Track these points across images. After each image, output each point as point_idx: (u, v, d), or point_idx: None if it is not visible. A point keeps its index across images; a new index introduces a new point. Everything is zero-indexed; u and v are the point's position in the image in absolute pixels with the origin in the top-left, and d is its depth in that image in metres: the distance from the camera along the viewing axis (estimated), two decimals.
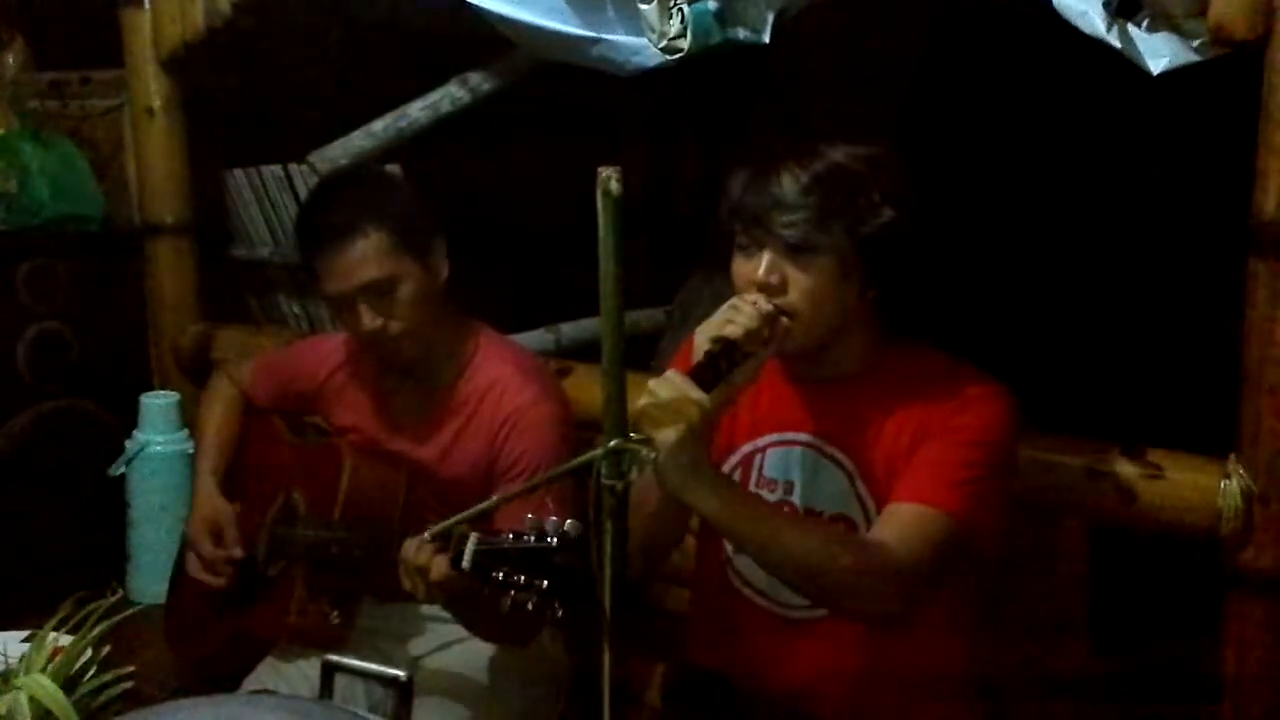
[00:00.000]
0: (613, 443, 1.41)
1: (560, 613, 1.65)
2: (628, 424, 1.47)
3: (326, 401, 2.43)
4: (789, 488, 1.89)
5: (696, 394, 1.60)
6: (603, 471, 1.41)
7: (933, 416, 1.79)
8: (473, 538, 1.72)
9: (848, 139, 1.78)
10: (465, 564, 1.72)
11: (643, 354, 3.02)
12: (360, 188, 2.30)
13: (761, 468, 1.92)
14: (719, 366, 1.66)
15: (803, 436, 1.89)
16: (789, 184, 1.74)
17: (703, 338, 1.70)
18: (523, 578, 1.64)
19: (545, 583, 1.63)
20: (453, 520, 1.73)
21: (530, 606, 1.65)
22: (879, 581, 1.69)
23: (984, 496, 1.77)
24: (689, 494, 1.65)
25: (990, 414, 1.79)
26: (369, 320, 2.16)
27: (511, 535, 1.67)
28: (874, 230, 1.74)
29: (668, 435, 1.58)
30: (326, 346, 2.48)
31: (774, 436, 1.92)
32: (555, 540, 1.63)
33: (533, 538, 1.65)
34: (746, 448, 1.93)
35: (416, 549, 1.83)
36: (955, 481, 1.75)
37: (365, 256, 2.14)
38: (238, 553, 2.29)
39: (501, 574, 1.66)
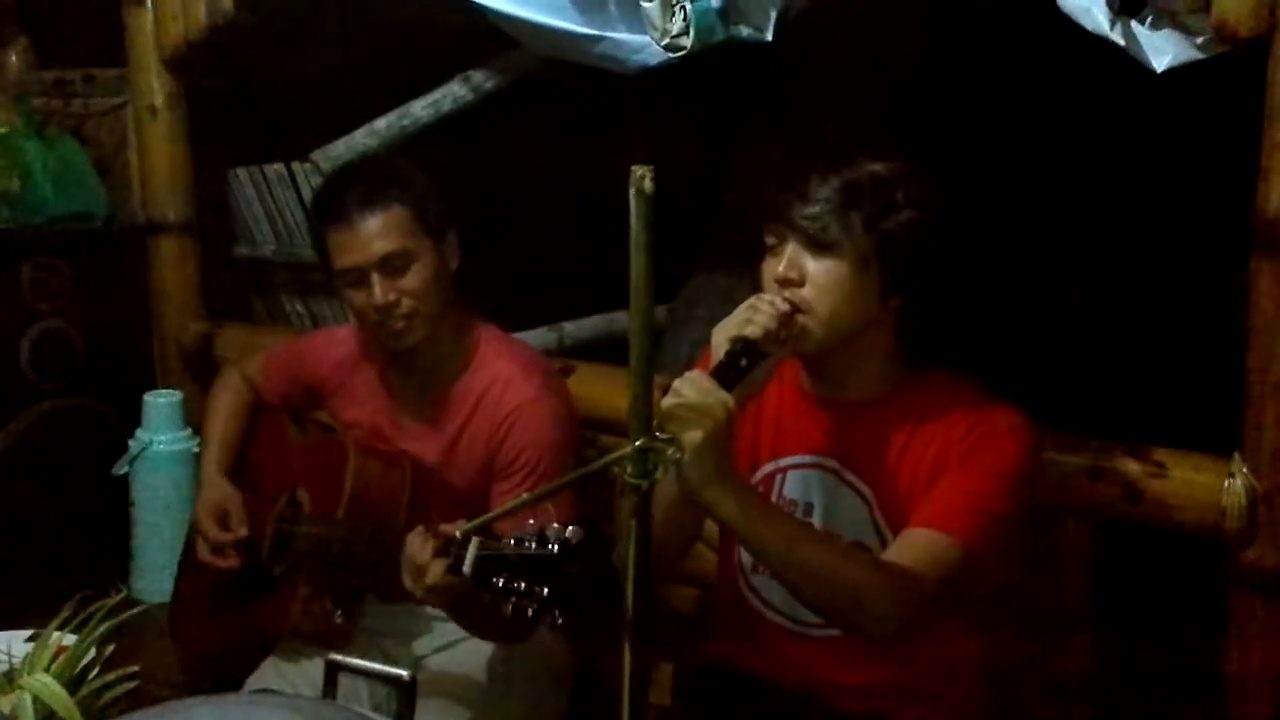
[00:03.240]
0: (639, 442, 1.40)
1: (561, 620, 1.64)
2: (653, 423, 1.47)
3: (331, 396, 2.43)
4: (808, 510, 1.90)
5: (722, 394, 1.61)
6: (628, 471, 1.40)
7: (954, 446, 1.80)
8: (475, 542, 1.71)
9: (876, 151, 1.80)
10: (467, 569, 1.71)
11: None
12: (381, 168, 2.32)
13: (782, 488, 1.92)
14: (740, 366, 1.66)
15: (823, 459, 1.89)
16: (815, 181, 1.76)
17: (721, 337, 1.71)
18: (524, 584, 1.64)
19: (546, 590, 1.62)
20: (483, 519, 1.71)
21: (530, 613, 1.64)
22: (885, 602, 1.70)
23: (998, 528, 1.78)
24: (708, 495, 1.65)
25: (1012, 447, 1.80)
26: (382, 293, 2.15)
27: (513, 541, 1.66)
28: (894, 230, 1.75)
29: (695, 436, 1.58)
30: (334, 340, 2.48)
31: (795, 458, 1.92)
32: (557, 547, 1.63)
33: (534, 544, 1.64)
34: (768, 467, 1.93)
35: (420, 546, 1.82)
36: (972, 511, 1.76)
37: (386, 228, 2.15)
38: (243, 532, 2.29)
39: (502, 580, 1.65)
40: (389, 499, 2.21)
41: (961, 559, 1.73)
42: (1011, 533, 1.81)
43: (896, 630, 1.73)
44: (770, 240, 1.81)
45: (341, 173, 2.42)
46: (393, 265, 2.15)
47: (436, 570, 1.78)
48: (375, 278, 2.15)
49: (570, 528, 1.64)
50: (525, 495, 1.62)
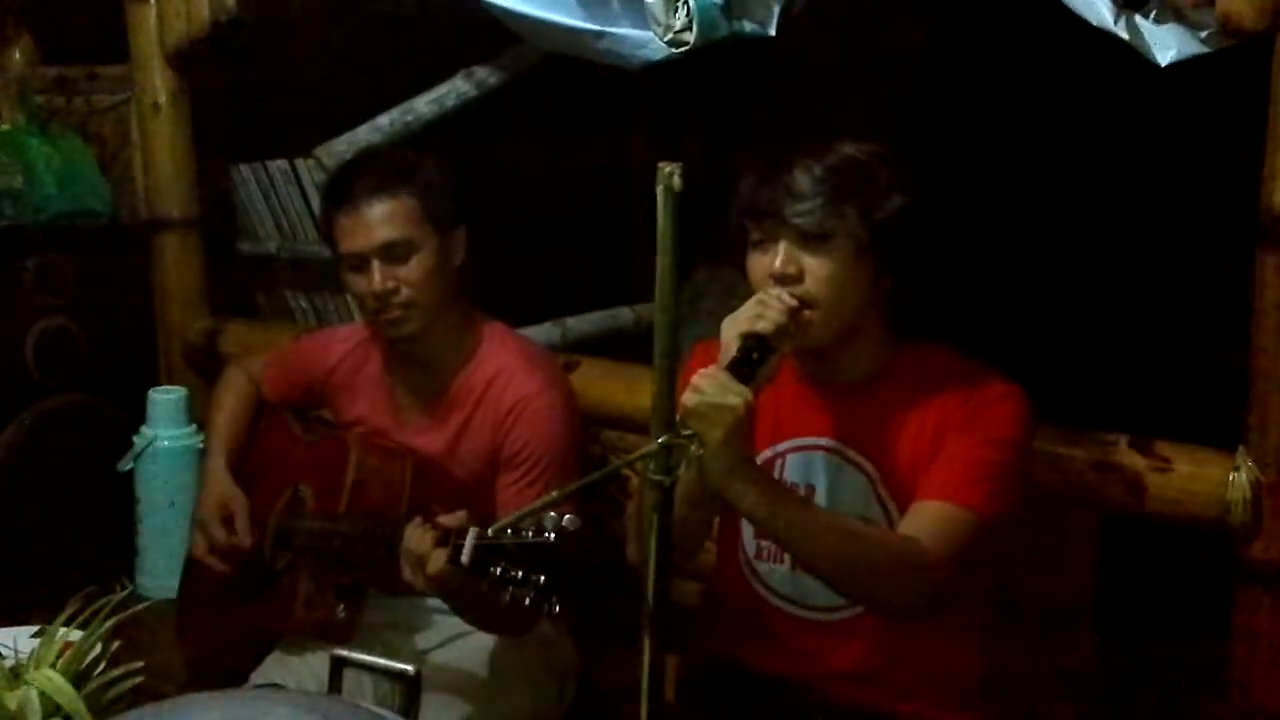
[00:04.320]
0: (662, 439, 1.41)
1: (558, 608, 1.65)
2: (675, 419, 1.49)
3: (334, 393, 2.43)
4: (810, 492, 1.90)
5: (740, 388, 1.62)
6: (652, 468, 1.41)
7: (953, 416, 1.81)
8: (472, 532, 1.72)
9: (852, 136, 1.82)
10: (464, 559, 1.71)
11: (649, 347, 3.01)
12: (394, 158, 2.34)
13: (782, 472, 1.93)
14: (753, 360, 1.68)
15: (823, 441, 1.90)
16: (801, 175, 1.77)
17: (731, 333, 1.71)
18: (520, 573, 1.64)
19: (543, 578, 1.63)
20: (509, 520, 1.70)
21: (528, 602, 1.65)
22: (912, 578, 1.72)
23: (1004, 494, 1.79)
24: (731, 489, 1.67)
25: (1009, 412, 1.82)
26: (381, 280, 2.16)
27: (510, 531, 1.67)
28: (886, 215, 1.77)
29: (716, 432, 1.59)
30: (335, 338, 2.49)
31: (794, 441, 1.93)
32: (553, 535, 1.63)
33: (531, 533, 1.65)
34: (767, 453, 1.94)
35: (419, 537, 1.83)
36: (979, 479, 1.77)
37: (390, 216, 2.17)
38: (246, 542, 2.30)
39: (500, 569, 1.66)
40: (390, 493, 2.22)
41: (974, 527, 1.75)
42: (1016, 496, 1.82)
43: (923, 606, 1.75)
44: (757, 236, 1.82)
45: (355, 159, 2.44)
46: (394, 253, 2.17)
47: (436, 560, 1.79)
48: (375, 264, 2.16)
49: (566, 516, 1.64)
50: (555, 493, 1.63)
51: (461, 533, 1.75)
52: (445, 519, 1.83)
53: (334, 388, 2.43)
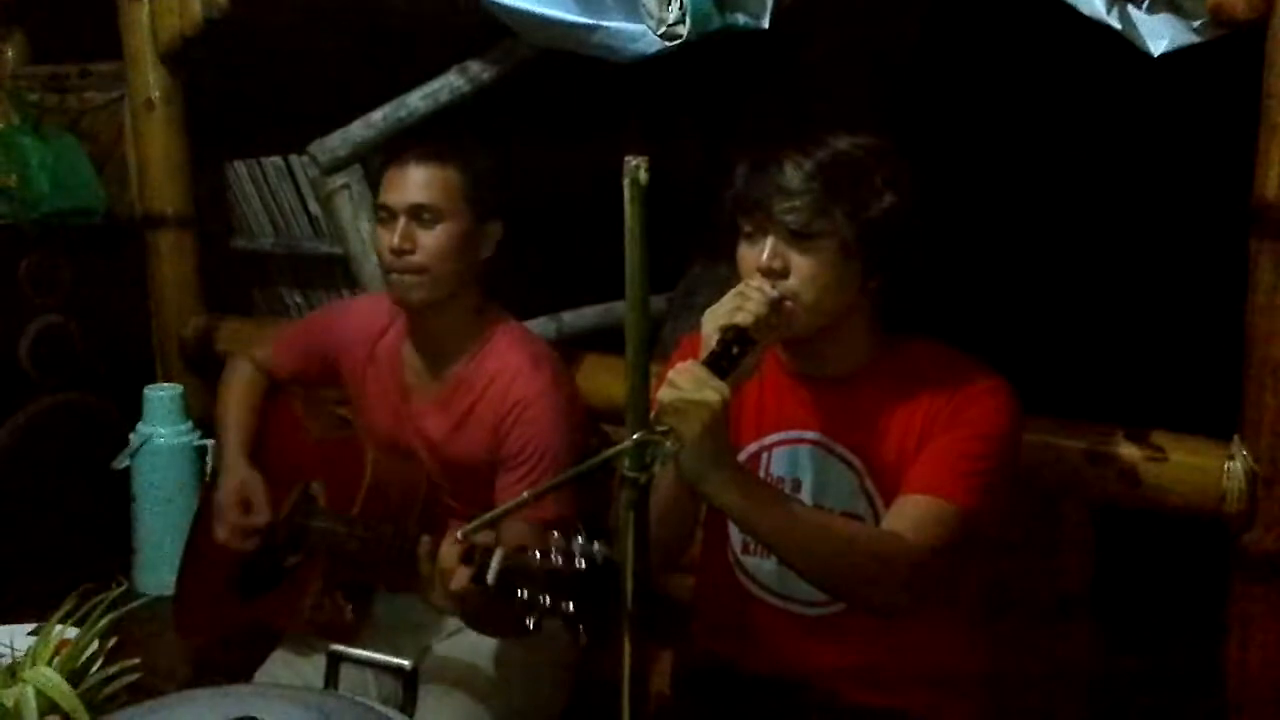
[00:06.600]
0: (637, 435, 1.40)
1: (585, 637, 1.61)
2: (650, 416, 1.47)
3: (348, 366, 2.43)
4: (796, 485, 1.90)
5: (717, 383, 1.60)
6: (626, 464, 1.40)
7: (939, 410, 1.81)
8: (498, 553, 1.67)
9: (849, 129, 1.80)
10: (490, 579, 1.68)
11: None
12: (458, 134, 2.43)
13: (768, 466, 1.92)
14: (733, 354, 1.66)
15: (810, 435, 1.89)
16: (791, 171, 1.76)
17: (712, 325, 1.70)
18: (548, 599, 1.59)
19: (571, 606, 1.58)
20: (485, 518, 1.67)
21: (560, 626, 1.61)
22: (894, 574, 1.70)
23: (991, 487, 1.78)
24: (709, 485, 1.65)
25: (995, 406, 1.80)
26: (401, 238, 2.20)
27: (538, 555, 1.62)
28: (875, 216, 1.75)
29: (693, 427, 1.58)
30: (353, 310, 2.52)
31: (780, 435, 1.92)
32: (584, 563, 1.59)
33: (560, 559, 1.59)
34: (753, 447, 1.93)
35: (446, 551, 1.81)
36: (964, 473, 1.76)
37: (430, 181, 2.22)
38: (264, 519, 2.30)
39: (526, 593, 1.61)
40: (405, 498, 2.22)
41: (958, 521, 1.74)
42: (1002, 490, 1.82)
43: (906, 603, 1.73)
44: (747, 228, 1.81)
45: (428, 123, 2.48)
46: (421, 216, 2.21)
47: (460, 578, 1.75)
48: (401, 220, 2.20)
49: (596, 544, 1.61)
50: (525, 494, 1.60)
51: (488, 551, 1.73)
52: (468, 530, 1.82)
53: (350, 361, 2.43)
